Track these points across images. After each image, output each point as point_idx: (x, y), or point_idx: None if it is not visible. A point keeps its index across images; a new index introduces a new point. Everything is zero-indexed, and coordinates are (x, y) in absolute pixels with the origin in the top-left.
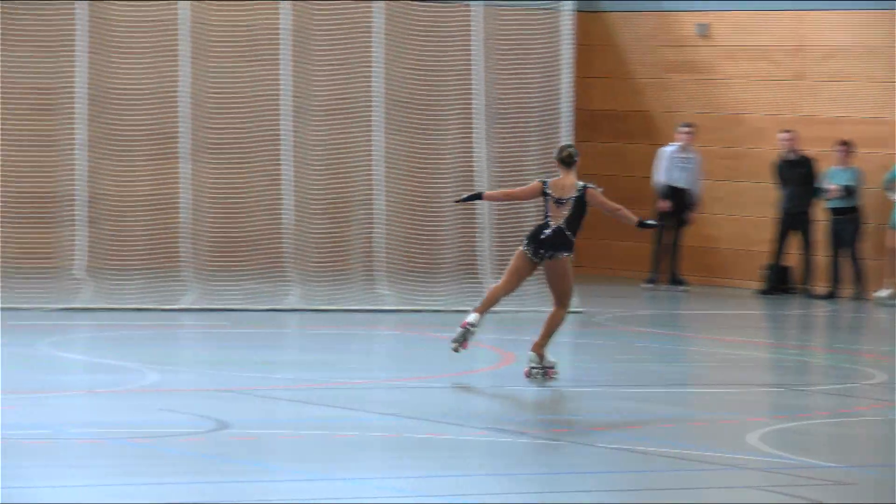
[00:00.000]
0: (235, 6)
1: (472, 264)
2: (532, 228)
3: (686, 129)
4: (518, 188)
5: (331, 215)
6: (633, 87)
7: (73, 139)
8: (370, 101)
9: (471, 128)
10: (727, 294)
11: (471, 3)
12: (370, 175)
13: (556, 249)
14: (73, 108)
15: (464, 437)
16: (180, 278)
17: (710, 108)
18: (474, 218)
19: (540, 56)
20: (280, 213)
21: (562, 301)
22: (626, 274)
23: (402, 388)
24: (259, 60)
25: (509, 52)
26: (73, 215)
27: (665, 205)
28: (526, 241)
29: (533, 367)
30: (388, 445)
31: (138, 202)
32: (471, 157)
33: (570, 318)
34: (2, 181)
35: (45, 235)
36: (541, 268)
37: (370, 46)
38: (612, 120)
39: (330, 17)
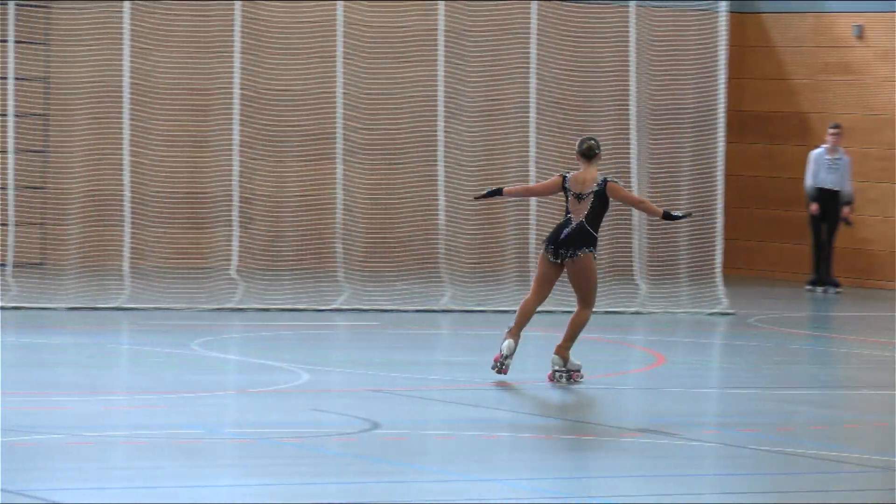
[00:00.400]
0: (390, 7)
1: (626, 265)
2: (553, 228)
3: (834, 131)
4: (539, 183)
5: (483, 216)
6: (787, 88)
7: (227, 140)
8: (524, 102)
9: (624, 128)
10: (881, 296)
11: (626, 3)
12: (524, 176)
13: (577, 247)
14: (227, 109)
15: (615, 437)
16: (333, 279)
17: (864, 110)
18: (629, 219)
19: (694, 57)
20: (433, 214)
21: (586, 301)
22: (783, 276)
23: (553, 389)
24: (413, 61)
25: (663, 52)
26: (227, 216)
27: (814, 207)
28: (546, 243)
29: (556, 371)
30: (540, 446)
31: (291, 203)
32: (624, 157)
33: (723, 321)
34: (158, 181)
35: (198, 236)
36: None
37: (524, 47)
38: (764, 121)
39: (484, 17)
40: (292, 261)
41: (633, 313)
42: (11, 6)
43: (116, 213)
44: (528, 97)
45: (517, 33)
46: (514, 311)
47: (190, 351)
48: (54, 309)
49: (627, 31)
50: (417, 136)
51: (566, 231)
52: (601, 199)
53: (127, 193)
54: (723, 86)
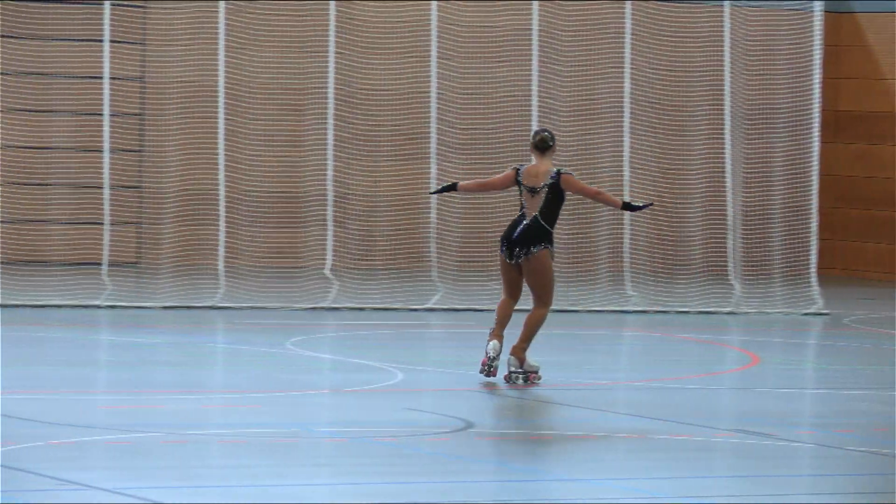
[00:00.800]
0: (484, 6)
1: (721, 265)
2: (507, 226)
3: None
4: (492, 178)
5: (577, 215)
6: (882, 88)
7: (322, 139)
8: (617, 101)
9: (719, 129)
10: None
11: (720, 3)
12: (617, 175)
13: (531, 245)
14: (322, 108)
15: (710, 438)
16: (427, 278)
17: None
18: (723, 218)
19: (788, 57)
20: None
21: (542, 299)
22: (878, 276)
23: (647, 389)
24: (506, 61)
25: (758, 52)
26: (322, 215)
27: None
28: (500, 243)
29: (513, 372)
30: (634, 446)
31: (385, 202)
32: (719, 158)
33: (817, 321)
34: (252, 181)
35: (293, 235)
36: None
37: (618, 46)
38: (860, 121)
39: (578, 16)
40: (386, 260)
41: (727, 313)
42: (107, 6)
43: (211, 213)
44: (621, 97)
45: (611, 33)
46: (614, 311)
47: (284, 350)
48: (150, 308)
49: (722, 31)
50: (511, 135)
51: (519, 228)
52: (556, 193)
53: (222, 192)
54: (818, 86)
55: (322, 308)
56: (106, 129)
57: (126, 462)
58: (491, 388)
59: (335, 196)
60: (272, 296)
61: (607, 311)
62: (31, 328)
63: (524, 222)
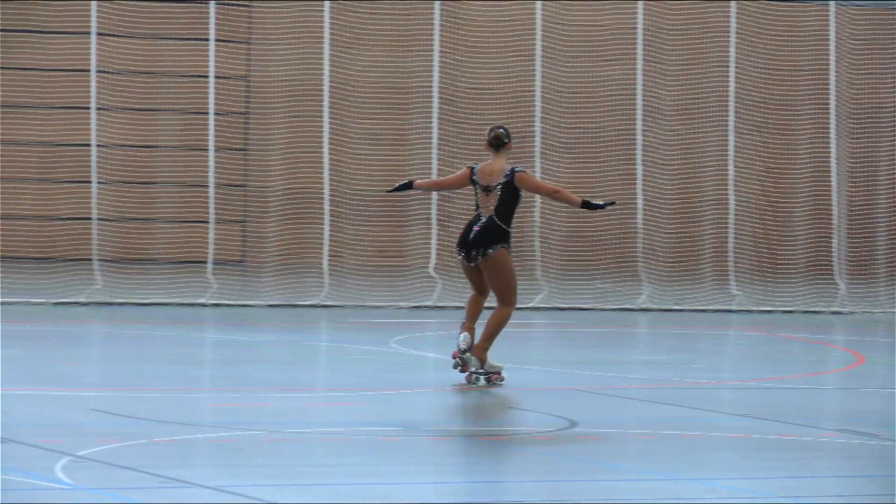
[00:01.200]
0: (589, 6)
1: (826, 264)
2: (463, 228)
3: None
4: (447, 177)
5: (681, 215)
6: None
7: (426, 138)
8: (722, 101)
9: (824, 128)
10: None
11: (826, 2)
12: (722, 175)
13: (488, 246)
14: (427, 107)
15: (815, 438)
16: (532, 277)
17: None
18: (828, 217)
19: (894, 55)
20: (630, 213)
21: (504, 299)
22: None
23: (751, 389)
24: (611, 60)
25: (863, 51)
26: (426, 214)
27: None
28: (457, 246)
29: (473, 372)
30: (737, 446)
31: None
32: (824, 157)
33: None
34: (357, 179)
35: (397, 234)
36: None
37: (723, 46)
38: None
39: (683, 15)
40: None
41: (831, 313)
42: (213, 5)
43: (316, 211)
44: (726, 96)
45: (716, 32)
46: (718, 310)
47: (388, 348)
48: (254, 306)
49: (827, 31)
50: (615, 134)
51: (475, 229)
52: (511, 191)
53: (326, 191)
54: None
55: (426, 307)
56: (211, 127)
57: (230, 460)
58: (595, 387)
59: (439, 195)
60: (376, 294)
61: (711, 311)
62: (137, 326)
63: (480, 222)
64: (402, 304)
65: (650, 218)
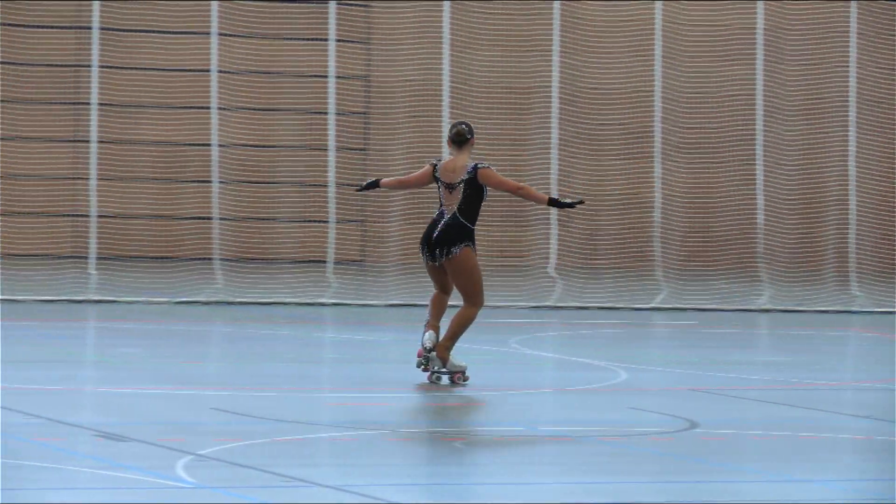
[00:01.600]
0: (709, 5)
1: None
2: (426, 226)
3: None
4: (411, 175)
5: (802, 215)
6: None
7: (546, 139)
8: (843, 100)
9: None
10: None
11: None
12: (843, 175)
13: (452, 245)
14: (546, 108)
15: None
16: (651, 277)
17: None
18: None
19: None
20: (751, 213)
21: (470, 299)
22: None
23: (873, 390)
24: (731, 60)
25: None
26: (545, 214)
27: None
28: (421, 245)
29: (435, 371)
30: (859, 448)
31: (609, 201)
32: None
33: None
34: None
35: (517, 234)
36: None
37: (843, 45)
38: None
39: (804, 15)
40: (610, 259)
41: None
42: (332, 6)
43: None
44: (847, 95)
45: (836, 31)
46: (840, 311)
47: (508, 348)
48: (374, 306)
49: None
50: (736, 134)
51: (439, 228)
52: (474, 188)
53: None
54: None
55: (546, 307)
56: (331, 127)
57: (351, 459)
58: (716, 388)
59: (559, 195)
60: (496, 294)
61: (833, 312)
62: (258, 325)
63: (443, 220)
64: (521, 304)
65: (771, 218)
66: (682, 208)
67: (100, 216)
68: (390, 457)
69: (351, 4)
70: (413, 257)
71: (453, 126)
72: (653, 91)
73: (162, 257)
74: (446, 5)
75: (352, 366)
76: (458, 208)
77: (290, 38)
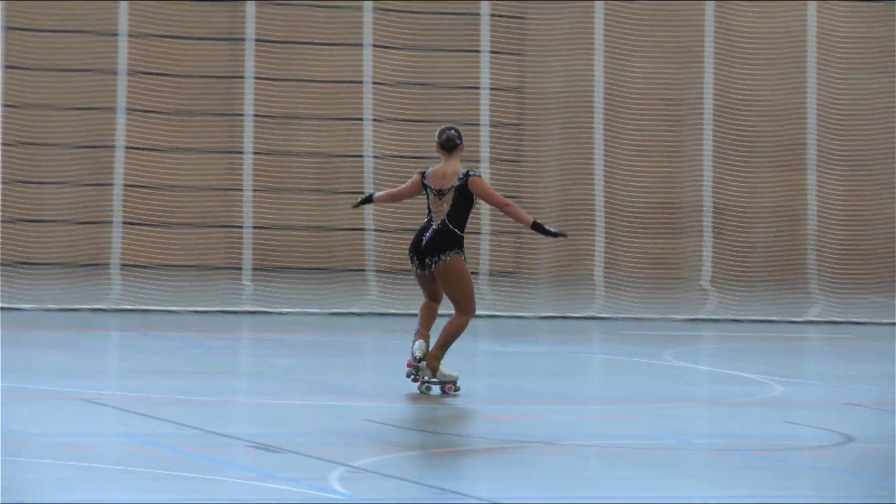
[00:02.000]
0: (861, 15)
1: None
2: (415, 234)
3: None
4: (400, 186)
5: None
6: None
7: (699, 149)
8: None
9: None
10: None
11: None
12: None
13: (441, 252)
14: (699, 118)
15: None
16: (805, 290)
17: None
18: None
19: None
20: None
21: (461, 307)
22: None
23: None
24: (888, 71)
25: None
26: (699, 226)
27: None
28: (409, 254)
29: (425, 381)
30: None
31: (763, 213)
32: None
33: None
34: (630, 191)
35: (671, 246)
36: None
37: None
38: None
39: None
40: (764, 271)
41: None
42: (486, 18)
43: (588, 222)
44: None
45: None
46: None
47: (662, 361)
48: (527, 318)
49: None
50: (887, 145)
51: (427, 235)
52: (464, 195)
53: (599, 202)
54: None
55: (700, 319)
56: (484, 139)
57: (504, 472)
58: (872, 402)
59: (713, 206)
60: (650, 306)
61: None
62: (411, 336)
63: (432, 228)
64: (675, 316)
65: None
66: (838, 219)
67: (254, 227)
68: (544, 469)
69: (505, 16)
70: (566, 269)
71: (443, 132)
72: (805, 101)
73: (316, 268)
74: (599, 15)
75: (506, 378)
76: (447, 215)
77: (444, 50)
